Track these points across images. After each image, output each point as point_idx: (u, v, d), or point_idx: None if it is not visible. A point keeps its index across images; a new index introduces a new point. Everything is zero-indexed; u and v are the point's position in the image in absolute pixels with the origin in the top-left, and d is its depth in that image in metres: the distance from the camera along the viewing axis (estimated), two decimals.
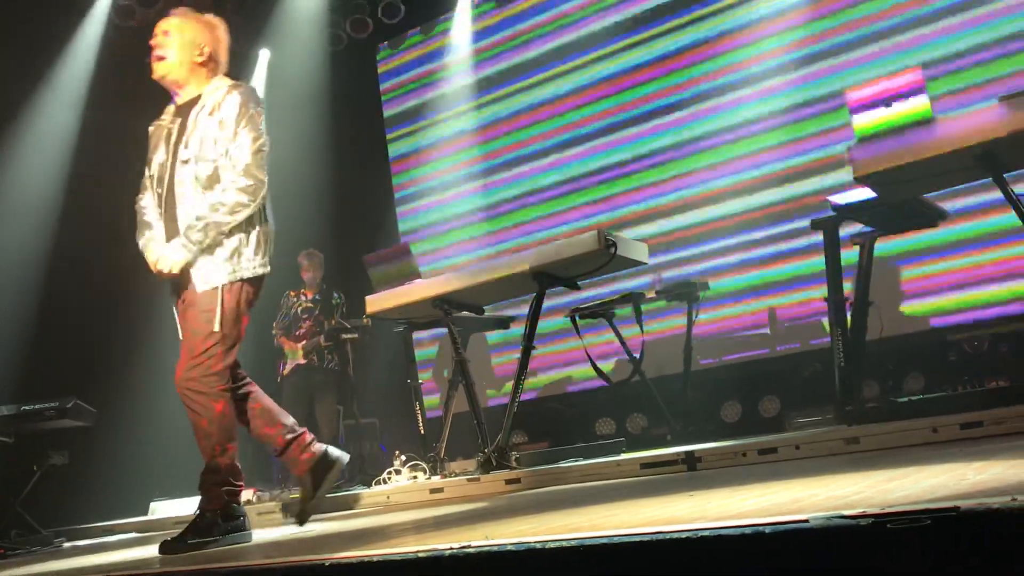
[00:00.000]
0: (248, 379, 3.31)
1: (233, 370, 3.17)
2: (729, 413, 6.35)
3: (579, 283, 4.98)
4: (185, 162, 3.13)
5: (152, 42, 3.27)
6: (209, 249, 3.11)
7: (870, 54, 6.23)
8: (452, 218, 8.13)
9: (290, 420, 3.34)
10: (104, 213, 5.99)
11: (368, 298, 5.25)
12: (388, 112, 8.69)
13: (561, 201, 7.47)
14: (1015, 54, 5.73)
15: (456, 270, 5.47)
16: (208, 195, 3.10)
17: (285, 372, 6.57)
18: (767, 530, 1.17)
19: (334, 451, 3.36)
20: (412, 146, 8.48)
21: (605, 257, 4.52)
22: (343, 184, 8.30)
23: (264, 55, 8.41)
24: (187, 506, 5.59)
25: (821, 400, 5.17)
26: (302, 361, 6.53)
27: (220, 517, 3.02)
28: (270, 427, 3.29)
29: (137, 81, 3.78)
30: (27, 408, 5.34)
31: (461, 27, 8.27)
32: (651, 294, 5.59)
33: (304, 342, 6.53)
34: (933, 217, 4.08)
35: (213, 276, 3.11)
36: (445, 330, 5.20)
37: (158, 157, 3.22)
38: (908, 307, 5.92)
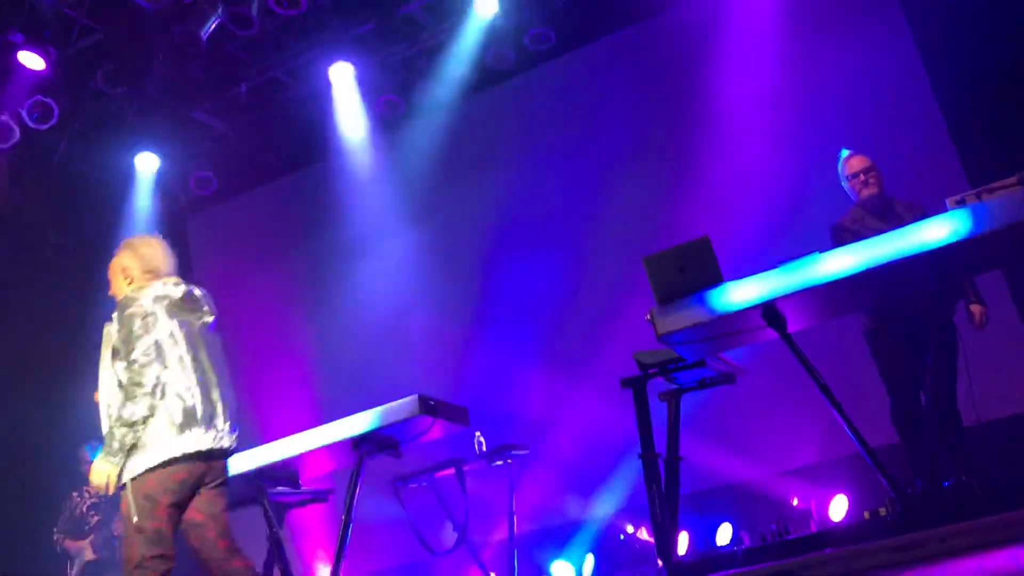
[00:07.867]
0: None
1: None
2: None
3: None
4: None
5: None
6: None
7: None
8: None
9: None
10: None
11: None
12: None
13: None
14: None
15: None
16: None
17: (73, 574, 6.11)
18: None
19: None
20: None
21: (426, 422, 4.46)
22: None
23: None
24: None
25: (640, 558, 5.21)
26: (92, 557, 6.08)
27: None
28: None
29: None
30: None
31: None
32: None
33: (91, 536, 6.10)
34: (731, 374, 4.31)
35: None
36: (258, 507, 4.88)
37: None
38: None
